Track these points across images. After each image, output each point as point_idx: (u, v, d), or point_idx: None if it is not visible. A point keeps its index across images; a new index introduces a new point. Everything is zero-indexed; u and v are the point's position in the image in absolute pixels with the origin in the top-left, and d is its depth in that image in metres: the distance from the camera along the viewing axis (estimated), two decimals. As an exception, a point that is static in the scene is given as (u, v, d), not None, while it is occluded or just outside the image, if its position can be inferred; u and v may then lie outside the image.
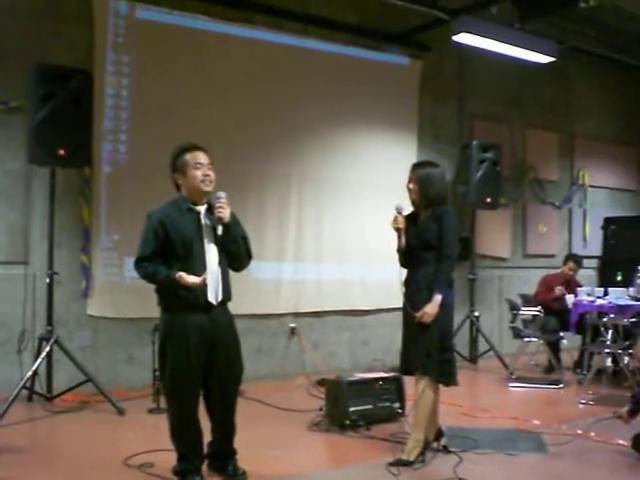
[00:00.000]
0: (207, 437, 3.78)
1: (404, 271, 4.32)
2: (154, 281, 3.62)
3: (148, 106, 6.26)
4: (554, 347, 7.04)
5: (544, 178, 9.32)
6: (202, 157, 3.67)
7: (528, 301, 7.22)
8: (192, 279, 3.49)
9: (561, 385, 6.59)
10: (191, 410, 3.64)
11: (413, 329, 4.15)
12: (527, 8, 6.94)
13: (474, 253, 8.08)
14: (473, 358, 7.90)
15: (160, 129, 6.15)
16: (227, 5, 6.71)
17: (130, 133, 6.23)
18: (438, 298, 4.07)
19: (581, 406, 5.82)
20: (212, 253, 3.65)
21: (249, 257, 3.82)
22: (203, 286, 3.55)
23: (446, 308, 4.14)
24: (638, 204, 10.47)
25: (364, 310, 7.55)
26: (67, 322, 5.95)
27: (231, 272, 3.77)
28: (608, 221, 9.83)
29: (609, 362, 6.77)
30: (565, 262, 7.51)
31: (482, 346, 7.89)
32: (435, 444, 4.35)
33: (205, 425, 3.74)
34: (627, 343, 6.41)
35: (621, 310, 6.27)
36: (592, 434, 4.80)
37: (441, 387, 4.22)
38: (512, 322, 7.07)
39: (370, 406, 5.00)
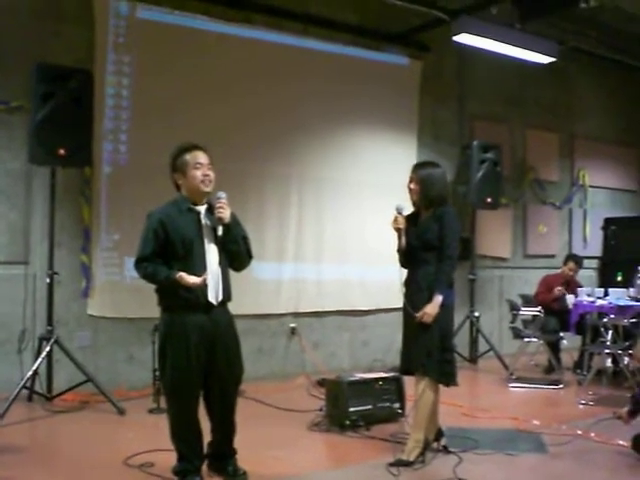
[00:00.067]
0: (207, 437, 3.78)
1: (404, 271, 4.32)
2: (154, 281, 3.63)
3: (148, 106, 6.26)
4: (554, 347, 7.04)
5: (544, 178, 9.32)
6: (202, 157, 3.67)
7: (528, 301, 7.22)
8: (192, 279, 3.49)
9: (561, 385, 6.59)
10: (191, 410, 3.65)
11: (413, 329, 4.15)
12: (527, 9, 6.94)
13: (474, 253, 8.08)
14: (473, 358, 7.90)
15: (160, 129, 6.15)
16: (227, 5, 6.71)
17: (130, 133, 6.23)
18: (439, 298, 4.07)
19: (581, 406, 5.83)
20: (212, 253, 3.65)
21: (249, 257, 3.82)
22: (203, 286, 3.55)
23: (446, 308, 4.14)
24: (638, 205, 10.47)
25: (364, 310, 7.55)
26: (67, 322, 5.95)
27: (231, 272, 3.78)
28: (608, 221, 9.83)
29: (609, 363, 6.77)
30: (565, 262, 7.51)
31: (482, 346, 7.88)
32: (435, 444, 4.36)
33: (205, 425, 3.74)
34: (627, 344, 6.41)
35: (621, 311, 6.27)
36: (592, 434, 4.80)
37: (441, 387, 4.22)
38: (512, 322, 7.07)
39: (370, 406, 5.00)
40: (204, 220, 3.66)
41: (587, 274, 9.15)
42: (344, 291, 7.39)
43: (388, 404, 5.11)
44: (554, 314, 7.00)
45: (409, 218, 4.26)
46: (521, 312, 6.98)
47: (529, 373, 7.21)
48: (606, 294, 6.60)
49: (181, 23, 6.46)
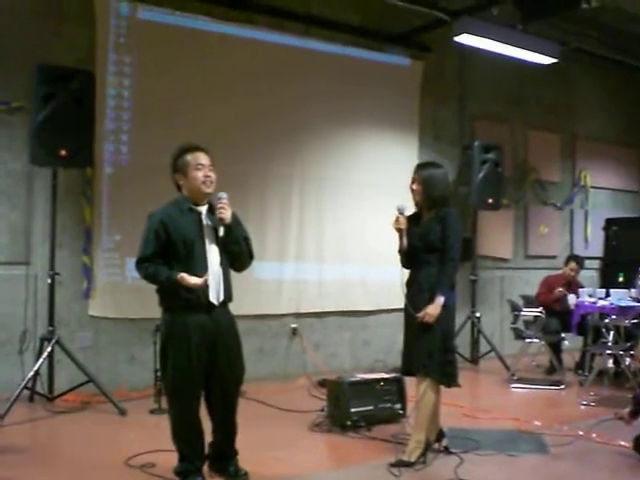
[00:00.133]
0: (208, 437, 3.78)
1: (406, 272, 4.31)
2: (155, 282, 3.63)
3: (150, 107, 6.27)
4: (555, 348, 7.03)
5: (546, 179, 9.32)
6: (203, 158, 3.68)
7: (529, 302, 7.23)
8: (193, 280, 3.50)
9: (562, 386, 6.59)
10: (192, 411, 3.65)
11: (415, 330, 4.15)
12: (529, 10, 6.93)
13: (475, 254, 8.08)
14: (474, 359, 7.89)
15: (162, 130, 6.15)
16: (229, 6, 6.72)
17: (132, 134, 6.24)
18: (441, 300, 4.07)
19: (582, 407, 5.82)
20: (213, 253, 3.66)
21: (251, 257, 3.83)
22: (204, 287, 3.55)
23: (448, 309, 4.14)
24: (640, 205, 10.48)
25: (365, 311, 7.55)
26: (68, 322, 5.95)
27: (232, 272, 3.78)
28: (610, 222, 9.83)
29: (611, 363, 6.75)
30: (567, 263, 7.50)
31: (483, 347, 7.88)
32: (436, 445, 4.36)
33: (206, 426, 3.74)
34: (629, 344, 6.39)
35: (623, 311, 6.27)
36: (593, 435, 4.80)
37: (442, 388, 4.22)
38: (513, 323, 7.07)
39: (371, 407, 5.00)
40: (205, 220, 3.67)
41: (588, 275, 9.14)
42: (345, 291, 7.39)
43: (389, 405, 5.11)
44: (555, 315, 6.99)
45: (411, 218, 4.26)
46: (522, 313, 6.98)
47: (530, 374, 7.20)
48: (607, 295, 6.60)
49: (182, 24, 6.46)
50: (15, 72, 5.71)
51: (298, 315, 7.14)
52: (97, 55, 6.08)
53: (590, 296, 6.62)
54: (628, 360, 6.33)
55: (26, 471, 3.97)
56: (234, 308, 3.79)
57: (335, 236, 7.32)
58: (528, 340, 6.91)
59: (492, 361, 7.66)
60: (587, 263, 8.11)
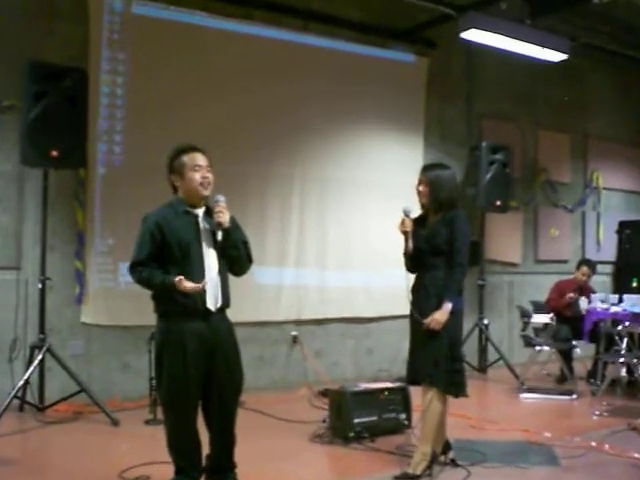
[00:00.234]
0: (205, 449, 3.78)
1: (411, 276, 4.32)
2: (149, 286, 3.62)
3: (144, 105, 6.28)
4: (567, 356, 7.04)
5: (556, 180, 9.33)
6: (201, 159, 3.68)
7: (539, 308, 7.22)
8: (190, 285, 3.49)
9: (574, 396, 6.58)
10: (189, 421, 3.64)
11: (421, 337, 4.15)
12: (538, 4, 6.96)
13: (483, 258, 8.09)
14: (482, 368, 7.90)
15: (157, 129, 6.17)
16: (227, 1, 6.73)
17: (126, 133, 6.25)
18: (448, 306, 4.07)
19: (595, 418, 5.82)
20: (211, 257, 3.66)
21: (250, 261, 3.83)
22: (202, 292, 3.55)
23: (456, 316, 4.14)
24: (654, 207, 10.48)
25: (369, 317, 7.56)
26: (60, 329, 5.96)
27: (230, 277, 3.78)
28: (623, 225, 9.83)
29: (624, 372, 6.76)
30: (578, 267, 7.51)
31: (491, 355, 7.89)
32: (442, 457, 4.35)
33: (204, 437, 3.74)
34: (643, 352, 6.41)
35: (636, 318, 6.27)
36: (606, 447, 4.80)
37: (449, 398, 4.22)
38: (523, 330, 7.06)
39: (375, 417, 5.00)
40: (202, 224, 3.67)
41: (601, 280, 9.14)
42: (348, 297, 7.39)
43: (394, 415, 5.11)
44: (566, 321, 7.00)
45: (417, 221, 4.27)
46: (532, 319, 6.97)
47: (540, 383, 7.20)
48: (620, 300, 6.61)
49: (177, 19, 6.48)
50: (6, 70, 5.72)
51: (299, 322, 7.14)
52: (90, 52, 6.10)
53: (602, 302, 6.63)
54: (642, 369, 6.34)
55: (16, 484, 3.98)
56: (232, 314, 3.79)
57: (337, 239, 7.33)
58: (538, 348, 6.91)
59: (501, 370, 7.66)
60: (599, 268, 8.11)
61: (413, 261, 4.26)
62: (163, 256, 3.59)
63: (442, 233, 4.17)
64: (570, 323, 6.98)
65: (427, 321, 4.08)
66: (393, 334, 7.42)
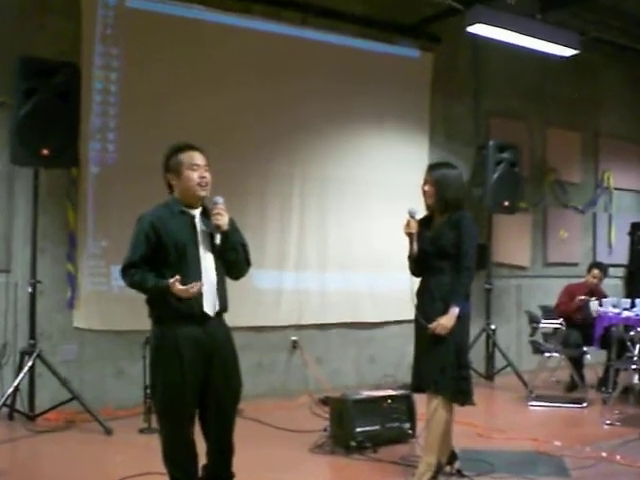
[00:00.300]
0: (202, 460, 3.76)
1: (416, 280, 4.31)
2: (142, 289, 3.59)
3: (139, 102, 6.28)
4: (577, 363, 7.02)
5: (566, 180, 9.32)
6: (198, 158, 3.67)
7: (549, 313, 7.21)
8: (185, 289, 3.46)
9: (584, 404, 6.58)
10: (185, 431, 3.63)
11: (426, 343, 4.15)
12: (549, -2, 6.96)
13: (491, 261, 8.08)
14: (489, 375, 7.89)
15: (151, 127, 6.17)
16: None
17: (119, 131, 6.25)
18: (455, 310, 4.06)
19: (606, 427, 5.81)
20: (208, 260, 3.64)
21: (248, 265, 3.81)
22: (198, 295, 3.53)
23: (462, 321, 4.13)
24: (667, 208, 10.47)
25: (372, 322, 7.55)
26: (51, 335, 5.95)
27: (228, 281, 3.76)
28: (635, 227, 9.81)
29: (636, 379, 6.74)
30: (589, 270, 7.50)
31: (499, 362, 7.88)
32: (448, 468, 4.34)
33: (200, 447, 3.73)
34: (656, 359, 6.40)
35: (649, 323, 6.26)
36: (617, 457, 4.79)
37: (455, 406, 4.21)
38: (531, 336, 7.06)
39: (378, 426, 4.99)
40: (199, 225, 3.66)
41: (612, 283, 9.13)
42: (350, 301, 7.38)
43: (397, 424, 5.10)
44: (577, 327, 6.99)
45: (422, 222, 4.27)
46: (541, 325, 6.97)
47: (550, 391, 7.19)
48: (633, 305, 6.57)
49: (173, 12, 6.47)
50: (-4, 66, 5.73)
51: (299, 327, 7.14)
52: (83, 47, 6.09)
53: (614, 306, 6.60)
54: (655, 376, 6.33)
55: (5, 495, 3.97)
56: (230, 319, 3.78)
57: (339, 241, 7.32)
58: (547, 354, 6.90)
59: (508, 377, 7.65)
60: (611, 271, 8.11)
61: (418, 264, 4.26)
62: (158, 259, 3.56)
63: (448, 235, 4.16)
64: (580, 328, 6.97)
65: (433, 326, 4.07)
66: (397, 340, 7.41)
